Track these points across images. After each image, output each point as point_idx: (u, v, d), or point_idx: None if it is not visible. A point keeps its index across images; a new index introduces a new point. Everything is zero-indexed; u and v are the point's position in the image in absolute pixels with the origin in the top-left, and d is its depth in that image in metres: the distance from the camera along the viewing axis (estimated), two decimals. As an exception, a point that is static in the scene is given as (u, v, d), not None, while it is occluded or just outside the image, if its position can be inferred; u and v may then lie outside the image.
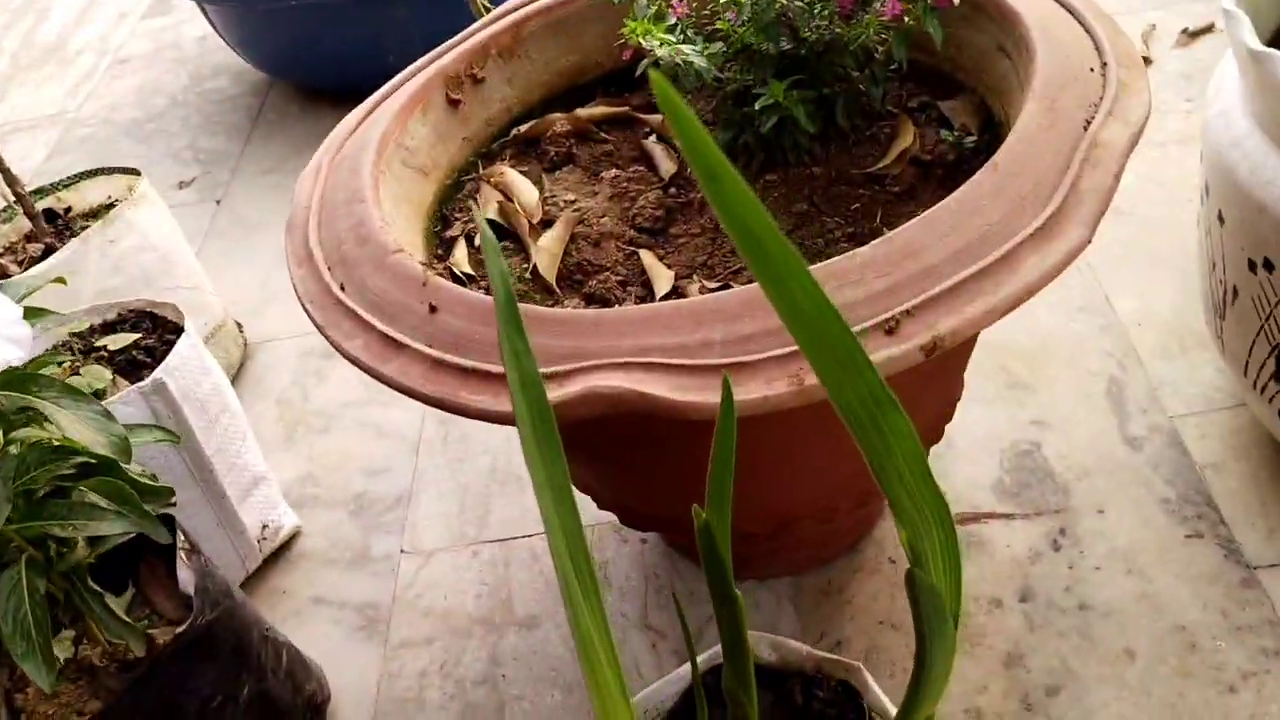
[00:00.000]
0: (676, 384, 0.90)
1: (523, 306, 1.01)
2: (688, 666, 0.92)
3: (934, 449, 1.49)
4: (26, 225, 1.71)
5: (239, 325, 1.97)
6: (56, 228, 1.74)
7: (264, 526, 1.54)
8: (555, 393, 0.91)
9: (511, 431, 1.75)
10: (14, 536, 1.07)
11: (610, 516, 1.51)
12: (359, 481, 1.68)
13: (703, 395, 0.89)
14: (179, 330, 1.46)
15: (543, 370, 0.93)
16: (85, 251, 1.62)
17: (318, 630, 1.46)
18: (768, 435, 1.02)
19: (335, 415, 1.81)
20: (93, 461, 1.11)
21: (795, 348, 0.89)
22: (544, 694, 1.33)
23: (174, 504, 1.13)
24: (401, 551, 1.56)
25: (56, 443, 1.10)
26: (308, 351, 1.94)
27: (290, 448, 1.76)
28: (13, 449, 1.08)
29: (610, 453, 1.12)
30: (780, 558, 1.37)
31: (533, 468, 0.61)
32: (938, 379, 1.16)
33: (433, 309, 1.01)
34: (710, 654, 0.95)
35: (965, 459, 1.49)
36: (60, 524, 1.08)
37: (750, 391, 0.88)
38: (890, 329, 0.89)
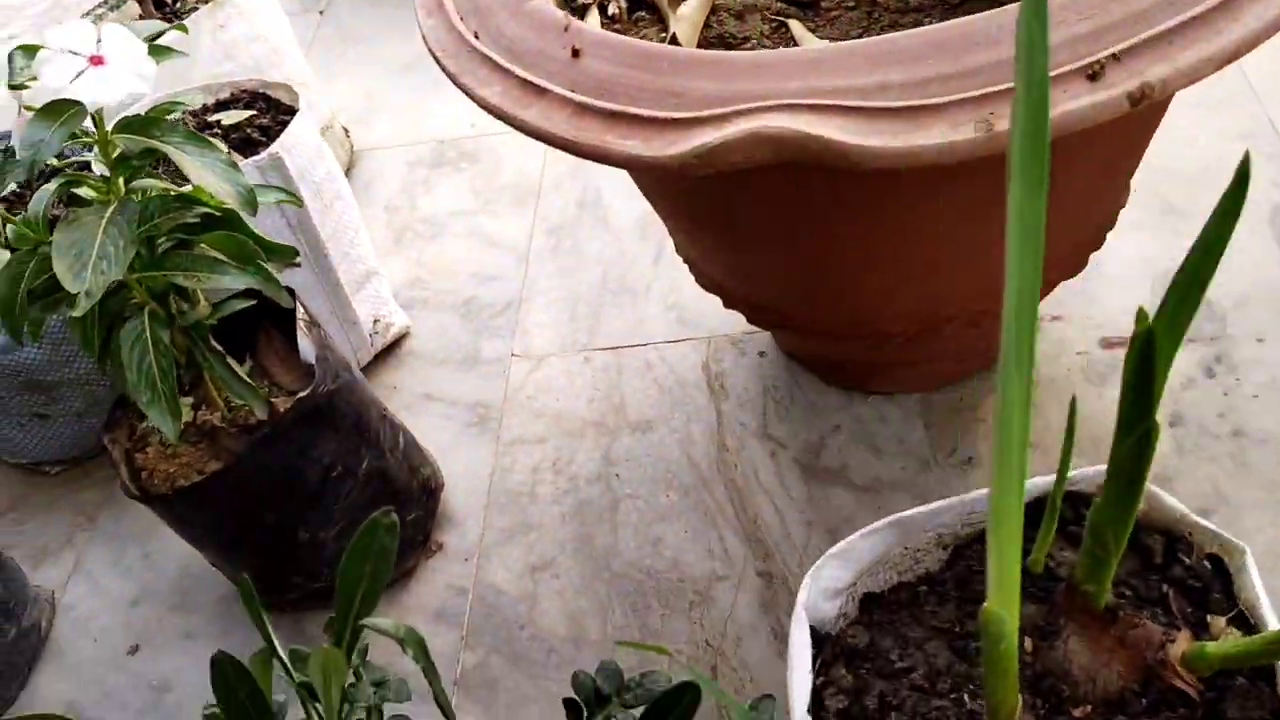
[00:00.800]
0: (850, 127, 0.82)
1: (668, 47, 0.93)
2: (980, 492, 0.84)
3: (1085, 273, 1.40)
4: (136, 10, 1.67)
5: (346, 130, 1.92)
6: (165, 14, 1.69)
7: (375, 321, 1.51)
8: (714, 135, 0.84)
9: (625, 243, 1.70)
10: (136, 287, 1.05)
11: (729, 328, 1.46)
12: (468, 287, 1.64)
13: (879, 139, 0.81)
14: (293, 112, 1.41)
15: (698, 113, 0.86)
16: (195, 35, 1.57)
17: (429, 425, 1.44)
18: (942, 202, 0.94)
19: (444, 223, 1.76)
20: (216, 214, 1.08)
21: (984, 90, 0.81)
22: (659, 494, 1.30)
23: (297, 263, 1.09)
24: (512, 355, 1.52)
25: (178, 193, 1.07)
26: (415, 161, 1.89)
27: (398, 252, 1.72)
28: (134, 197, 1.05)
29: (758, 223, 1.04)
30: (916, 370, 1.30)
31: (1013, 190, 0.52)
32: (1119, 162, 1.06)
33: (575, 53, 0.93)
34: (1032, 483, 0.83)
35: (1117, 284, 1.40)
36: (184, 274, 1.05)
37: (932, 136, 0.80)
38: (1093, 74, 0.80)
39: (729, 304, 1.24)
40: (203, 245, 1.07)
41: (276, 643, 0.73)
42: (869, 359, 1.27)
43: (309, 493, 1.15)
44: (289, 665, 0.74)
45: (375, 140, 1.96)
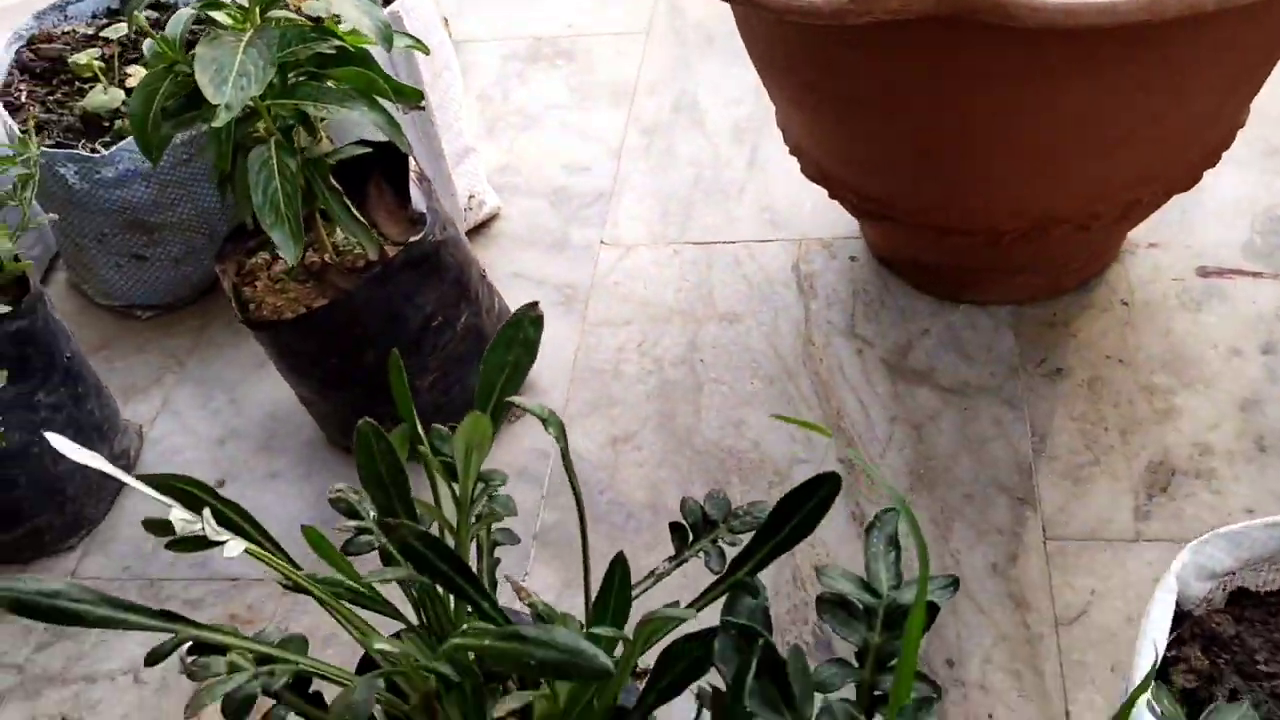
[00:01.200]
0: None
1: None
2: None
3: (1185, 205, 1.39)
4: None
5: (445, 20, 1.93)
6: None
7: (470, 197, 1.52)
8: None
9: (719, 146, 1.70)
10: (265, 116, 1.07)
11: (821, 231, 1.46)
12: (559, 177, 1.65)
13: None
14: (410, -22, 1.42)
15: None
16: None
17: (516, 301, 1.45)
18: (1089, 80, 0.94)
19: (537, 115, 1.77)
20: (349, 50, 1.09)
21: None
22: (742, 381, 1.31)
23: (422, 106, 1.11)
24: (601, 243, 1.53)
25: (313, 25, 1.08)
26: (510, 55, 1.90)
27: (491, 140, 1.74)
28: (271, 25, 1.06)
29: (892, 93, 1.04)
30: (1011, 281, 1.30)
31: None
32: (1248, 75, 1.06)
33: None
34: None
35: (1215, 218, 1.39)
36: (314, 104, 1.07)
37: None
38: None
39: (835, 194, 1.25)
40: (333, 79, 1.09)
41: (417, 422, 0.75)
42: (968, 263, 1.27)
43: (409, 338, 1.17)
44: (432, 441, 0.76)
45: (472, 33, 1.97)
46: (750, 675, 0.58)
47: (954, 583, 0.66)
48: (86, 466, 1.24)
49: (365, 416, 1.22)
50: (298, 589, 0.75)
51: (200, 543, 0.71)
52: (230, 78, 0.98)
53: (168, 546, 0.71)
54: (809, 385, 1.29)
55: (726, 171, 1.61)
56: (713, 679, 0.65)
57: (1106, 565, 1.08)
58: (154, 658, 0.69)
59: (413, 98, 1.11)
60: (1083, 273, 1.33)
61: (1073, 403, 1.23)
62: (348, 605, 0.76)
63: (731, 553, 0.76)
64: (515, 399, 0.74)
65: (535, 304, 0.77)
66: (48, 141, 1.37)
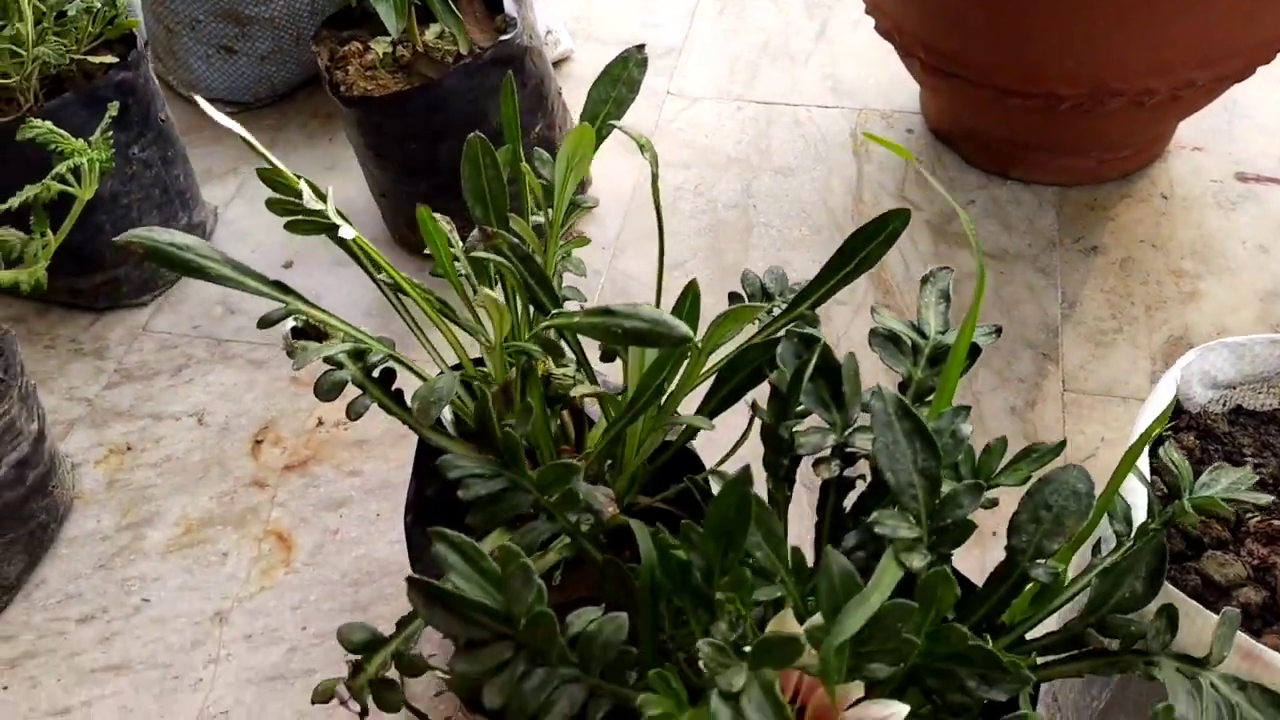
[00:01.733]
0: None
1: None
2: None
3: (1232, 115, 1.45)
4: None
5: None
6: None
7: (547, 32, 1.58)
8: None
9: (790, 15, 1.75)
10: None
11: (880, 103, 1.52)
12: (631, 30, 1.70)
13: None
14: None
15: None
16: None
17: (581, 133, 1.51)
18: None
19: (615, -28, 1.82)
20: None
21: None
22: (792, 227, 1.38)
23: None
24: (668, 92, 1.59)
25: None
26: (593, -85, 1.94)
27: (567, -10, 1.79)
28: None
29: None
30: (1060, 160, 1.36)
31: None
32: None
33: None
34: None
35: (1260, 129, 1.44)
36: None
37: None
38: None
39: (907, 50, 1.30)
40: None
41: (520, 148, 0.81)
42: (1022, 135, 1.33)
43: (487, 136, 1.23)
44: (535, 156, 0.83)
45: (557, -110, 2.00)
46: (809, 370, 0.65)
47: (997, 330, 0.73)
48: (166, 225, 1.34)
49: (432, 209, 1.29)
50: (396, 288, 0.82)
51: (317, 225, 0.78)
52: None
53: (287, 226, 0.78)
54: (855, 237, 1.35)
55: (795, 40, 1.65)
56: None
57: (1118, 418, 1.15)
58: (265, 322, 0.77)
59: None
60: (1128, 164, 1.38)
61: (1104, 277, 1.29)
62: (436, 312, 0.83)
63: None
64: (616, 123, 0.81)
65: (642, 46, 0.83)
66: (155, -80, 1.43)
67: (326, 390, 0.79)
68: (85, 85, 1.20)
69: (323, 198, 0.80)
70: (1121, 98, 1.19)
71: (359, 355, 0.81)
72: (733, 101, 1.57)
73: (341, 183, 1.48)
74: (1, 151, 1.17)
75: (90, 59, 1.20)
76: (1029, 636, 0.69)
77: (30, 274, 0.99)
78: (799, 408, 0.68)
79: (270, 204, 0.78)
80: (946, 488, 0.62)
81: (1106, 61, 1.15)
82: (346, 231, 0.76)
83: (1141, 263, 1.30)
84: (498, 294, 0.67)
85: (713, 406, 0.75)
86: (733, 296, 0.90)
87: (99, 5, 1.18)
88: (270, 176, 0.81)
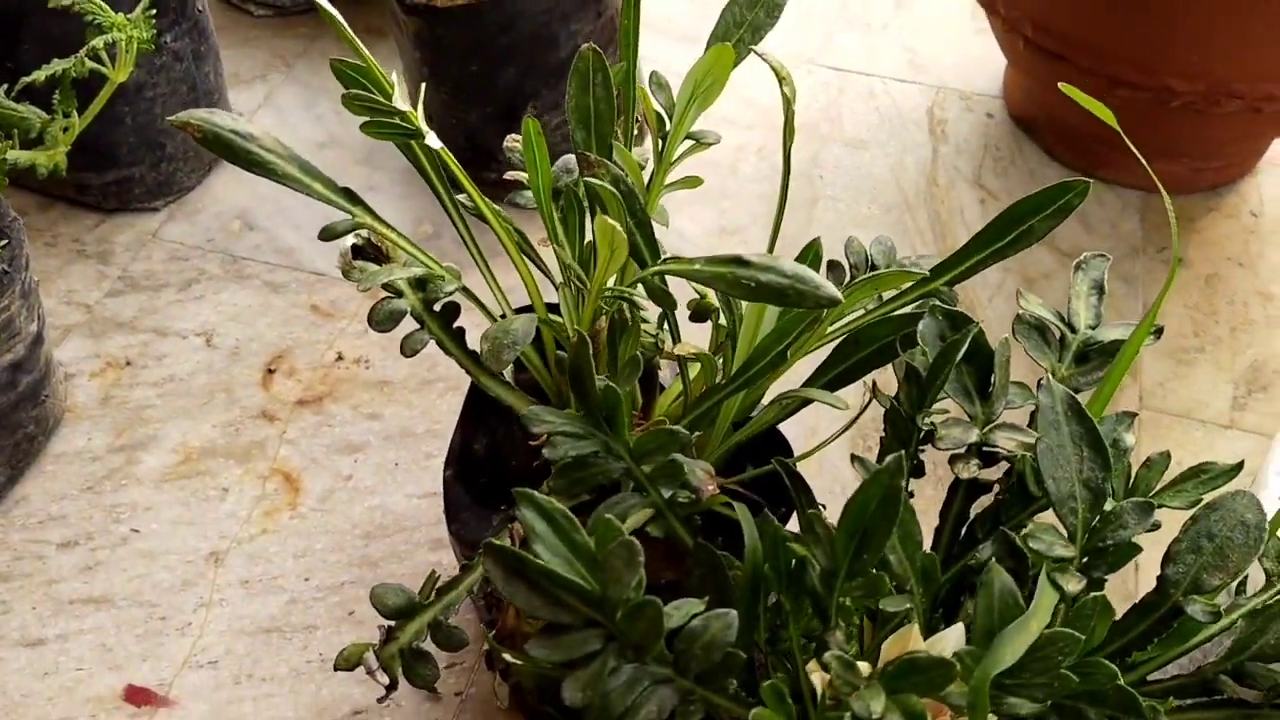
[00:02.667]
0: None
1: None
2: None
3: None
4: None
5: None
6: None
7: None
8: None
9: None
10: None
11: (960, 83, 1.43)
12: (698, -23, 1.60)
13: None
14: None
15: None
16: None
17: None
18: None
19: (684, -85, 1.71)
20: None
21: None
22: (859, 203, 1.29)
23: None
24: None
25: None
26: None
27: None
28: None
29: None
30: (1154, 166, 1.27)
31: None
32: None
33: None
34: None
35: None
36: None
37: None
38: None
39: (1009, 25, 1.21)
40: None
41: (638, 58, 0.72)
42: (1137, 127, 1.24)
43: (553, 67, 1.13)
44: (652, 79, 0.73)
45: None
46: (960, 355, 0.57)
47: (1158, 331, 0.65)
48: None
49: (480, 142, 1.19)
50: (479, 214, 0.73)
51: (401, 130, 0.68)
52: None
53: (366, 128, 0.68)
54: (925, 219, 1.27)
55: (875, 6, 1.56)
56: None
57: (1196, 443, 1.08)
58: (329, 233, 0.67)
59: None
60: (1219, 175, 1.30)
61: (1188, 292, 1.21)
62: (517, 248, 0.74)
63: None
64: (756, 49, 0.71)
65: None
66: None
67: (381, 320, 0.69)
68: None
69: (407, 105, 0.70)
70: (1239, 101, 1.10)
71: (421, 284, 0.72)
72: (804, 63, 1.47)
73: (379, 103, 1.38)
74: (23, 24, 1.06)
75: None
76: (1151, 676, 0.61)
77: (50, 156, 0.89)
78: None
79: (348, 100, 0.68)
80: (1109, 504, 0.54)
81: (1233, 59, 1.06)
82: (433, 140, 0.66)
83: (1228, 280, 1.22)
84: (613, 224, 0.58)
85: (822, 384, 0.66)
86: (832, 265, 0.81)
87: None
88: (346, 69, 0.70)
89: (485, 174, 1.22)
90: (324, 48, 1.45)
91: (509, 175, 0.78)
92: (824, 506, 0.72)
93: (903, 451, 0.48)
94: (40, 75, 0.90)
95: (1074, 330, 0.65)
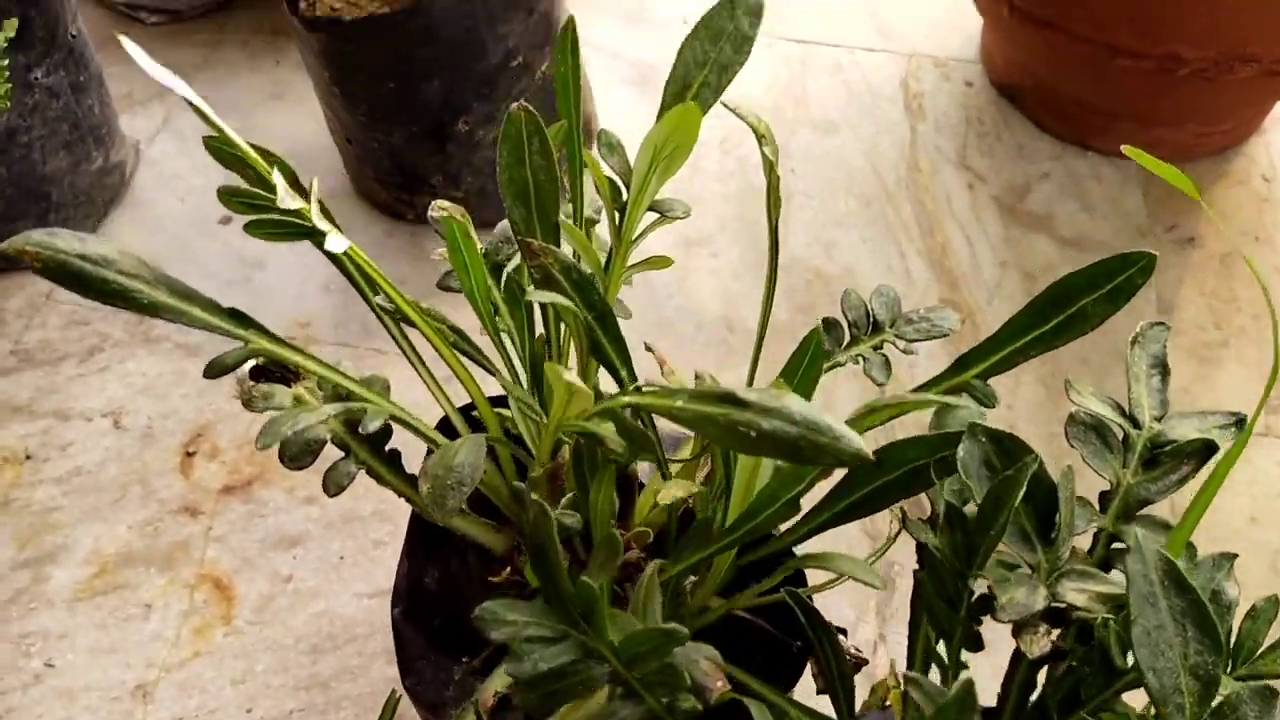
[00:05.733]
0: None
1: None
2: None
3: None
4: None
5: None
6: None
7: (543, -58, 1.32)
8: None
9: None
10: None
11: (933, 48, 1.31)
12: (637, -58, 1.45)
13: None
14: None
15: None
16: None
17: (591, 73, 1.27)
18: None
19: None
20: None
21: None
22: (837, 197, 1.16)
23: None
24: (684, 21, 1.35)
25: None
26: None
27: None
28: None
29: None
30: (1147, 133, 1.16)
31: None
32: None
33: None
34: None
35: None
36: None
37: None
38: None
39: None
40: None
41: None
42: (1113, 101, 1.12)
43: (483, 75, 0.99)
44: (601, 139, 0.61)
45: None
46: (1018, 497, 0.45)
47: (1239, 421, 0.53)
48: (76, 168, 1.07)
49: (407, 164, 1.05)
50: (399, 316, 0.60)
51: (293, 229, 0.55)
52: None
53: (250, 229, 0.55)
54: (910, 213, 1.15)
55: (832, -32, 1.42)
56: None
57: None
58: (217, 368, 0.54)
59: None
60: (1225, 139, 1.18)
61: (1203, 276, 1.10)
62: (451, 350, 0.61)
63: (901, 364, 0.63)
64: (727, 102, 0.59)
65: None
66: None
67: (295, 455, 0.57)
68: (-35, -10, 0.93)
69: (303, 191, 0.57)
70: (1255, 65, 0.98)
71: (339, 398, 0.60)
72: (761, 37, 1.32)
73: (291, 116, 1.23)
74: None
75: (-28, -44, 0.93)
76: None
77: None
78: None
79: (225, 195, 0.55)
80: (1221, 690, 0.43)
81: (1247, 19, 0.94)
82: (336, 243, 0.53)
83: (1245, 259, 1.11)
84: (568, 369, 0.46)
85: (837, 511, 0.54)
86: (828, 324, 0.69)
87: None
88: (223, 150, 0.57)
89: (419, 198, 1.09)
90: (227, 57, 1.30)
91: (437, 254, 0.65)
92: (845, 633, 0.62)
93: (971, 681, 0.36)
94: None
95: (1137, 425, 0.53)
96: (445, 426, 0.67)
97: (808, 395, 0.56)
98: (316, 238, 0.55)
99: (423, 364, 0.66)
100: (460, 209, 0.63)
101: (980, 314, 1.06)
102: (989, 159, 1.19)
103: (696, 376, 0.57)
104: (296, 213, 0.54)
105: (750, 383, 0.61)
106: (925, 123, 1.23)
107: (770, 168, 0.56)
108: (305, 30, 0.95)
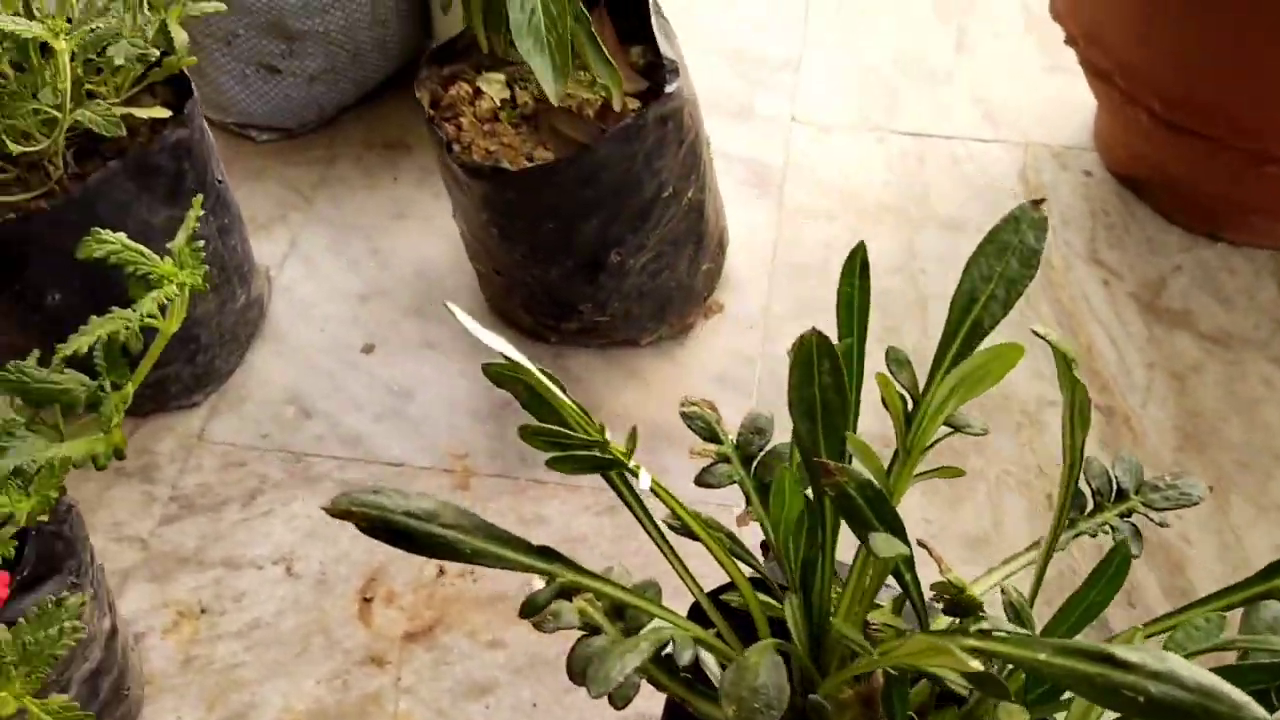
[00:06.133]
0: None
1: None
2: None
3: None
4: None
5: None
6: None
7: (653, 46, 1.32)
8: None
9: (918, 21, 1.49)
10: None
11: (1046, 136, 1.32)
12: (740, 32, 1.45)
13: None
14: None
15: None
16: None
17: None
18: None
19: (704, -41, 1.56)
20: None
21: None
22: (973, 300, 1.16)
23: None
24: (792, 119, 1.35)
25: None
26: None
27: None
28: None
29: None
30: (1275, 221, 1.16)
31: None
32: None
33: None
34: None
35: None
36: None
37: None
38: None
39: (1130, 97, 1.08)
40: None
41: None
42: (1250, 196, 1.12)
43: (638, 209, 0.99)
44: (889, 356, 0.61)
45: None
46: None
47: None
48: (223, 309, 1.07)
49: (559, 295, 1.05)
50: (686, 532, 0.60)
51: (594, 461, 0.54)
52: None
53: (551, 463, 0.54)
54: (1050, 313, 1.15)
55: (932, 51, 1.42)
56: None
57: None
58: (530, 609, 0.54)
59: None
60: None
61: (1351, 372, 1.10)
62: (730, 559, 0.61)
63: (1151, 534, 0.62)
64: (1038, 330, 0.58)
65: (1039, 202, 0.61)
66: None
67: (626, 695, 0.56)
68: (132, 146, 0.93)
69: (598, 430, 0.56)
70: None
71: (620, 611, 0.59)
72: (872, 131, 1.33)
73: (416, 237, 1.23)
74: (27, 243, 0.91)
75: (135, 112, 0.93)
76: None
77: (107, 442, 0.74)
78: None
79: (529, 434, 0.54)
80: None
81: None
82: (644, 480, 0.53)
83: (1390, 350, 1.11)
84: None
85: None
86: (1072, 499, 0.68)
87: (147, 44, 0.90)
88: (503, 372, 0.57)
89: (566, 325, 1.09)
90: (343, 174, 1.30)
91: (698, 450, 0.65)
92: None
93: None
94: (81, 343, 0.75)
95: None
96: (696, 612, 0.67)
97: (1107, 599, 0.56)
98: (619, 469, 0.55)
99: (684, 567, 0.65)
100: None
101: (1135, 419, 1.06)
102: (1119, 252, 1.20)
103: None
104: (604, 444, 0.54)
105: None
106: (1051, 216, 1.23)
107: (1072, 385, 0.55)
108: (467, 177, 0.96)
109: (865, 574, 0.61)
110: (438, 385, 1.10)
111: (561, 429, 0.54)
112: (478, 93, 1.03)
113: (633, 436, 0.57)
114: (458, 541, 0.51)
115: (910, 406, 0.60)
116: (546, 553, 0.55)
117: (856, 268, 0.60)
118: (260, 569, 0.98)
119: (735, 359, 1.12)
